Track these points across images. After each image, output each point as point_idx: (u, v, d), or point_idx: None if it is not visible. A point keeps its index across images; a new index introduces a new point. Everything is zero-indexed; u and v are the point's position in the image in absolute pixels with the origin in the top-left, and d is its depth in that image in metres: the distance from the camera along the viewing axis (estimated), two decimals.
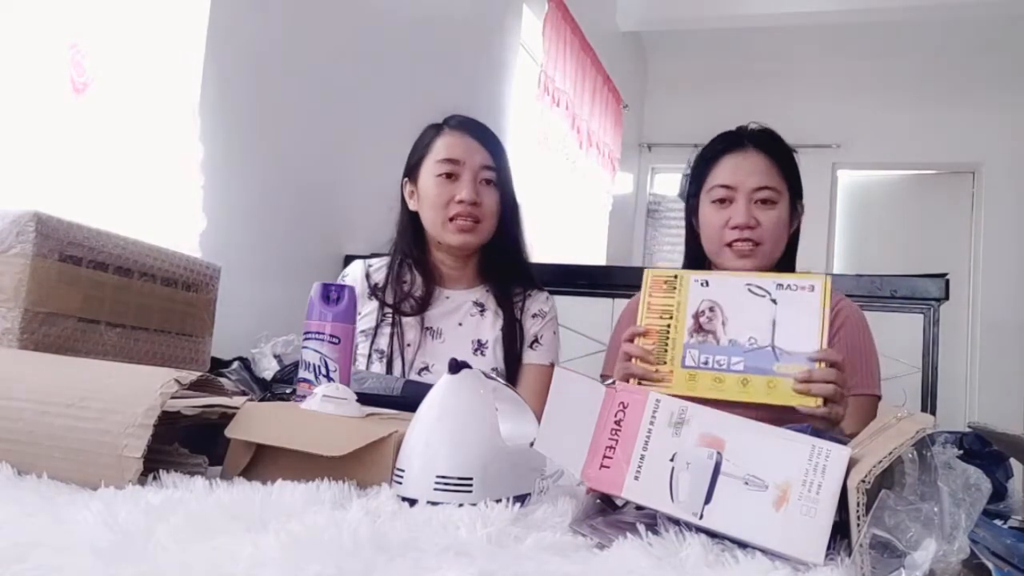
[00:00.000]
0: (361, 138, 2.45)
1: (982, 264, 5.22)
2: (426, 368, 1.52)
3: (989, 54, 5.11)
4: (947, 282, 2.12)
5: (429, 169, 1.54)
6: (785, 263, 1.44)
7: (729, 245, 1.37)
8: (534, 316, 1.60)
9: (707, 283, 1.05)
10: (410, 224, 1.59)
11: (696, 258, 1.47)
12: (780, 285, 1.04)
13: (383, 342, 1.52)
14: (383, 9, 2.56)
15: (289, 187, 2.19)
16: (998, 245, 5.18)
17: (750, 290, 1.04)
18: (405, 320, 1.54)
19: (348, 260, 1.70)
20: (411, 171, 1.58)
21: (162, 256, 1.20)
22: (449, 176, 1.51)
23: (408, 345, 1.53)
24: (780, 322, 1.03)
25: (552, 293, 1.70)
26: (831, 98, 5.43)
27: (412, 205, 1.58)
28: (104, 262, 1.09)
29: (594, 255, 4.84)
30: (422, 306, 1.55)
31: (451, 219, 1.51)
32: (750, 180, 1.37)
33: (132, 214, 1.62)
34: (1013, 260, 5.10)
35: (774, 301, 1.04)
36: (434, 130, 1.58)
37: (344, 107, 2.39)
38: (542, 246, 3.90)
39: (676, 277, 1.10)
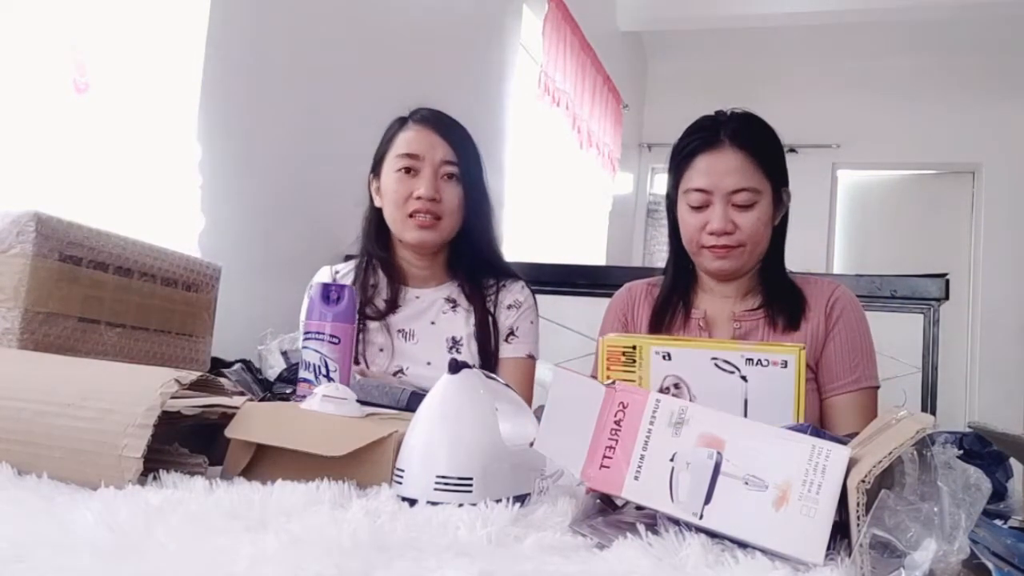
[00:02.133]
0: (361, 138, 2.44)
1: (982, 264, 5.22)
2: (400, 371, 1.50)
3: (989, 54, 5.12)
4: (947, 282, 2.12)
5: (390, 164, 1.51)
6: (771, 257, 1.40)
7: (707, 248, 1.34)
8: (509, 307, 1.56)
9: (669, 356, 0.95)
10: (374, 221, 1.56)
11: (680, 253, 1.43)
12: (749, 360, 0.95)
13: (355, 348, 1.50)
14: (383, 9, 2.56)
15: (289, 187, 2.19)
16: (998, 245, 5.18)
17: (717, 365, 0.95)
18: (374, 324, 1.52)
19: (348, 259, 1.70)
20: (375, 166, 1.56)
21: (162, 256, 1.20)
22: (408, 171, 1.48)
23: (381, 350, 1.51)
24: (752, 403, 0.95)
25: (552, 293, 1.69)
26: (831, 98, 5.44)
27: (377, 202, 1.55)
28: (104, 262, 1.09)
29: (594, 255, 4.84)
30: (390, 308, 1.52)
31: (410, 215, 1.47)
32: (726, 182, 1.31)
33: (132, 214, 1.62)
34: (1013, 260, 5.10)
35: (744, 378, 0.95)
36: (398, 124, 1.54)
37: (344, 107, 2.39)
38: (542, 246, 3.91)
39: (635, 348, 0.99)
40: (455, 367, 0.74)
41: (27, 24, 1.45)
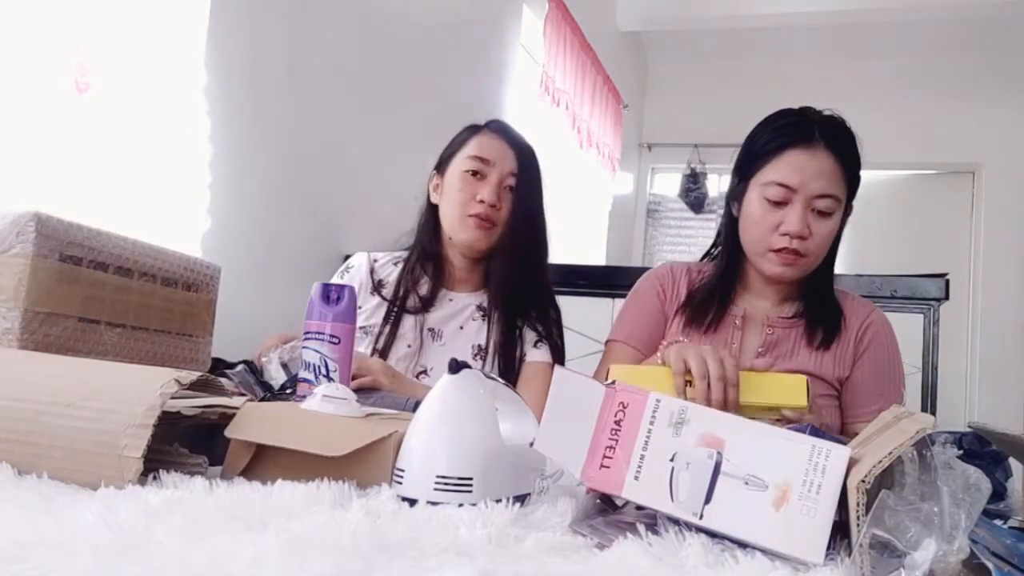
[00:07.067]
0: (361, 138, 2.45)
1: (982, 264, 5.22)
2: (424, 372, 1.51)
3: (989, 54, 5.11)
4: (947, 282, 2.12)
5: (458, 164, 1.54)
6: (825, 268, 1.36)
7: (775, 251, 1.27)
8: (537, 322, 1.56)
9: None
10: (430, 217, 1.60)
11: (732, 251, 1.36)
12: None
13: (382, 341, 1.51)
14: (384, 10, 2.56)
15: (291, 187, 2.19)
16: (998, 245, 5.18)
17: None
18: (406, 320, 1.53)
19: (347, 258, 1.70)
20: (441, 164, 1.59)
21: (162, 256, 1.20)
22: (476, 174, 1.51)
23: (408, 346, 1.51)
24: None
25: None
26: (831, 98, 5.39)
27: (434, 198, 1.59)
28: (104, 262, 1.09)
29: (594, 255, 4.84)
30: (425, 305, 1.54)
31: (469, 216, 1.50)
32: (813, 184, 1.24)
33: (135, 214, 1.62)
34: (1013, 260, 5.10)
35: None
36: (472, 129, 1.58)
37: (345, 107, 2.39)
38: None
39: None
40: (455, 367, 0.74)
41: (29, 24, 1.45)
